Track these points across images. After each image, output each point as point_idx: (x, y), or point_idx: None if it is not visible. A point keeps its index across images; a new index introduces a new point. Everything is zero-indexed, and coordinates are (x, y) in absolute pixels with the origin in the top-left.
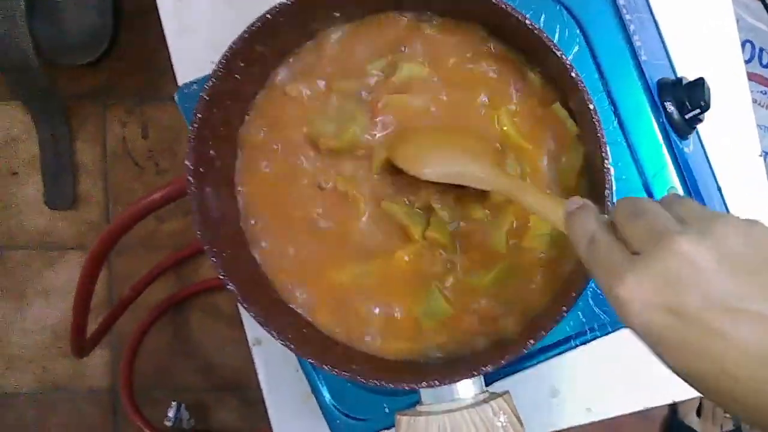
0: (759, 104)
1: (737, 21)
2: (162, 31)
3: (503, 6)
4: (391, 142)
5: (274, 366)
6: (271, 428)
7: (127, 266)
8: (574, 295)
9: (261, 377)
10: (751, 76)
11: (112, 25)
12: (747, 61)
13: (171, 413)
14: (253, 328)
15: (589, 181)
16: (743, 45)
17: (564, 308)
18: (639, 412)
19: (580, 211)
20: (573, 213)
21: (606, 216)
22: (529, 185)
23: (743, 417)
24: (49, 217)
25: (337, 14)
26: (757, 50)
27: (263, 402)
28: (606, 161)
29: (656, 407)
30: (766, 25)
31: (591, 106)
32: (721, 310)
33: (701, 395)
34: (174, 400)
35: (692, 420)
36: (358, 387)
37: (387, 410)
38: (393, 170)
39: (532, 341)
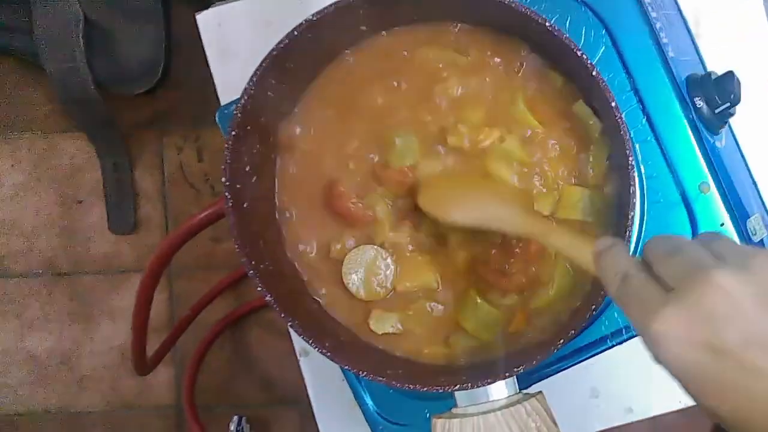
0: None
1: None
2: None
3: (523, 10)
4: (416, 188)
5: (321, 376)
6: None
7: (187, 287)
8: (603, 294)
9: (309, 387)
10: None
11: (165, 55)
12: None
13: (232, 427)
14: (299, 339)
15: (616, 178)
16: None
17: (593, 307)
18: (688, 415)
19: (610, 249)
20: (603, 252)
21: (636, 256)
22: (557, 227)
23: None
24: (113, 241)
25: (364, 28)
26: None
27: None
28: (630, 158)
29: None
30: None
31: (613, 104)
32: (761, 347)
33: None
34: (235, 415)
35: None
36: (399, 393)
37: (428, 415)
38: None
39: (561, 341)
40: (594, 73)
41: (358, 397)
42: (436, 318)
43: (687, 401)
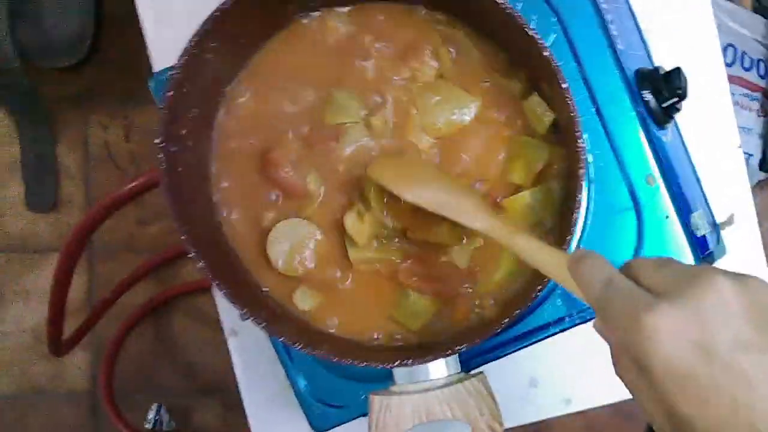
0: (741, 107)
1: (719, 26)
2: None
3: None
4: (378, 160)
5: (251, 357)
6: (247, 422)
7: (108, 269)
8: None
9: (237, 369)
10: (733, 80)
11: (94, 28)
12: (729, 65)
13: (151, 415)
14: (229, 318)
15: (563, 163)
16: (726, 49)
17: (539, 287)
18: (623, 413)
19: (589, 257)
20: (581, 259)
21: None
22: (523, 231)
23: None
24: (29, 219)
25: None
26: (739, 53)
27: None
28: (579, 140)
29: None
30: (748, 31)
31: (564, 85)
32: (752, 357)
33: None
34: (154, 403)
35: None
36: (333, 374)
37: (363, 397)
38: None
39: (506, 320)
40: (546, 54)
41: (290, 378)
42: (365, 301)
43: (626, 394)
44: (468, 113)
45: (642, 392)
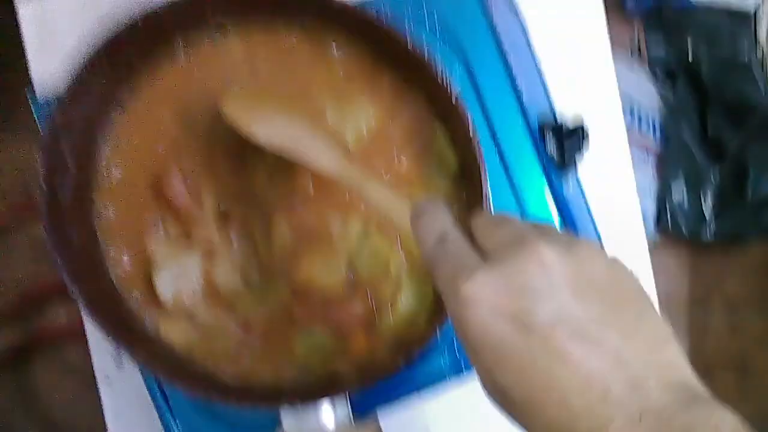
0: (636, 168)
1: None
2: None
3: (387, 29)
4: (232, 96)
5: (124, 404)
6: None
7: None
8: (446, 317)
9: (108, 419)
10: (629, 139)
11: None
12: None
13: None
14: (102, 363)
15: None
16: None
17: (437, 329)
18: None
19: (430, 208)
20: (422, 210)
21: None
22: (375, 178)
23: None
24: None
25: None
26: (636, 114)
27: None
28: (483, 184)
29: None
30: (644, 93)
31: (471, 133)
32: (572, 333)
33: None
34: None
35: None
36: (215, 423)
37: None
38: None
39: (402, 360)
40: (455, 101)
41: (166, 427)
42: (261, 342)
43: None
44: (367, 123)
45: (468, 357)
